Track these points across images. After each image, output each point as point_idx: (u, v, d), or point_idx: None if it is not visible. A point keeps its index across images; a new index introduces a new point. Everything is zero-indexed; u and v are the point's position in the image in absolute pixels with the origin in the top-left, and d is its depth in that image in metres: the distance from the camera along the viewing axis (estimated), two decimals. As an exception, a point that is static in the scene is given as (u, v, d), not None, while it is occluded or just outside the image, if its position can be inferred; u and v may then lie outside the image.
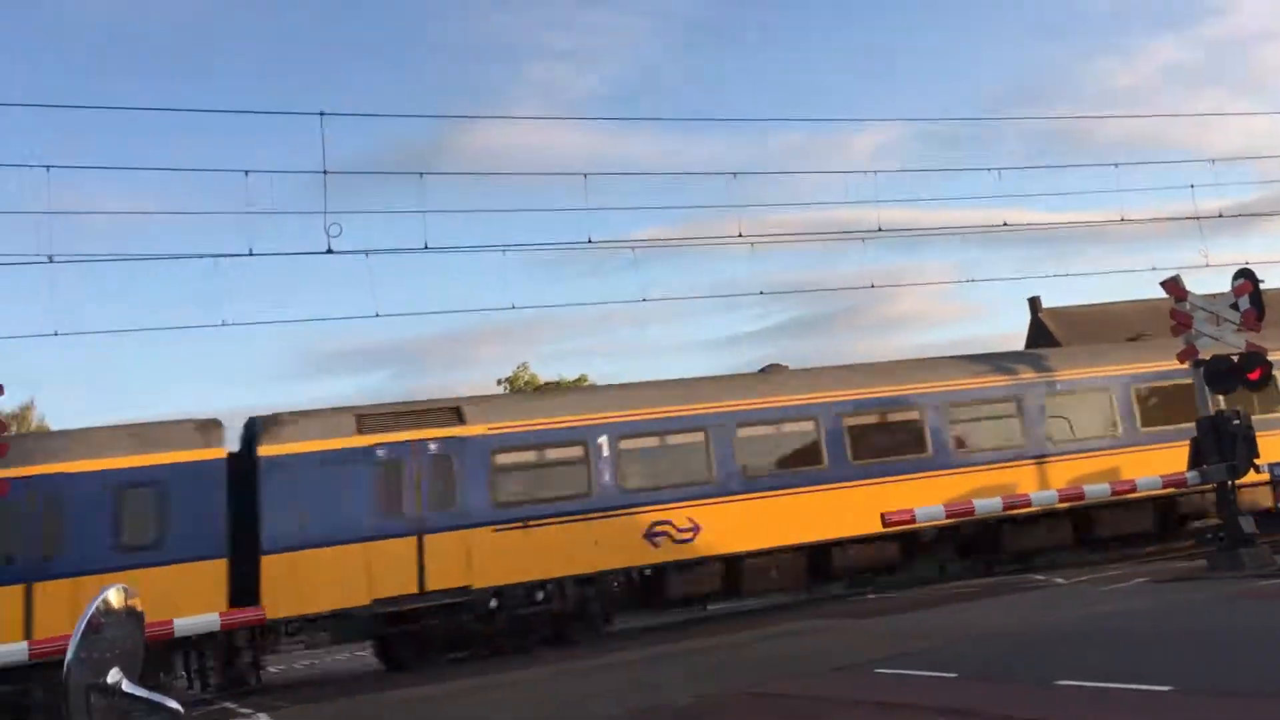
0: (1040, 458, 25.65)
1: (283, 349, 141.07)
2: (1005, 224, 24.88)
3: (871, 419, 24.95)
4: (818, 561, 24.16)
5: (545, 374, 63.01)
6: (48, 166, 17.46)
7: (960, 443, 25.40)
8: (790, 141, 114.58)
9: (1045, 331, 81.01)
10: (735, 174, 22.37)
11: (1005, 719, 9.70)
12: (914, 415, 25.08)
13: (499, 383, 62.82)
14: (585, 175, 21.47)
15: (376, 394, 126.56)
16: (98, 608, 2.31)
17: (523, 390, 61.87)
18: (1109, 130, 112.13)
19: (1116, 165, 24.88)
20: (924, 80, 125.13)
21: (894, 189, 59.49)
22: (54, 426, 60.45)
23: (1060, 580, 23.79)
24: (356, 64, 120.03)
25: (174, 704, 2.37)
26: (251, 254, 19.31)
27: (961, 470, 24.93)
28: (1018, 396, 25.74)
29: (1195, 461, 21.87)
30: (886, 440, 24.91)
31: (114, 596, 2.39)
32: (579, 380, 61.48)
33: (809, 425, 24.30)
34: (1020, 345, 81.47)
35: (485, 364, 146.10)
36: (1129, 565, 24.98)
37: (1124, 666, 11.26)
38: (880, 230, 23.79)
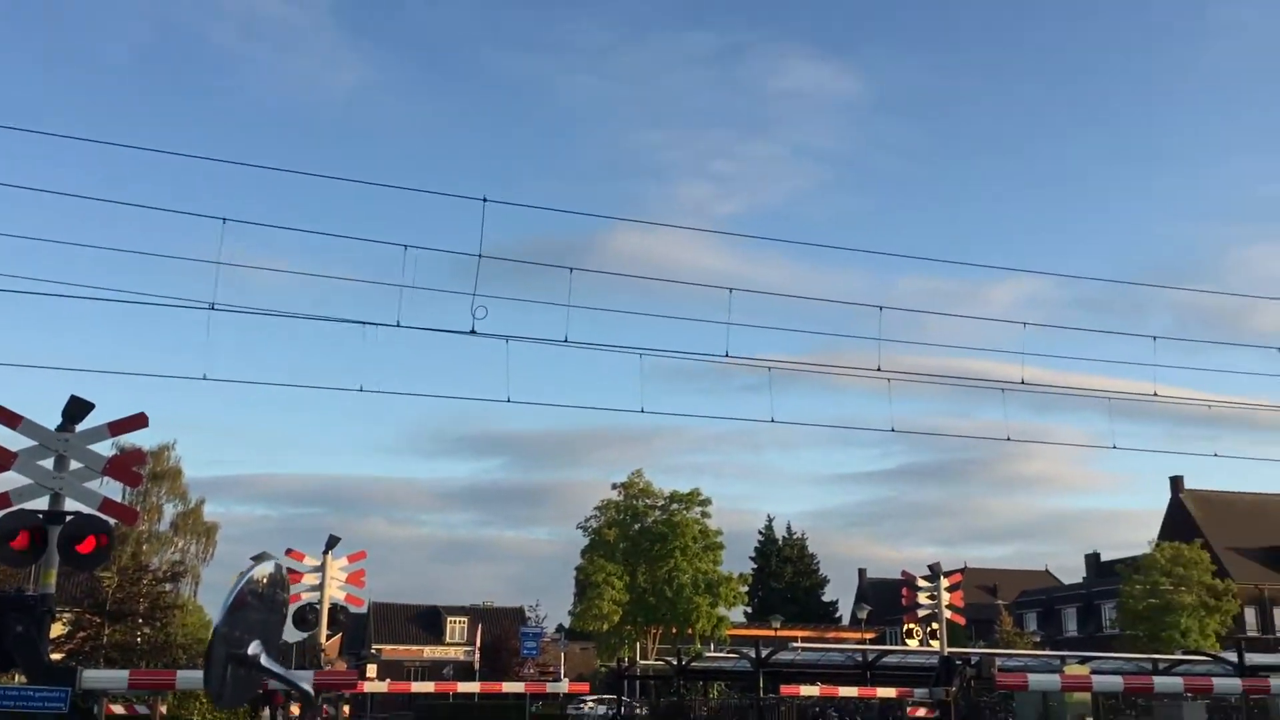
0: None
1: (412, 425, 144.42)
2: (1156, 394, 23.97)
3: None
4: None
5: (660, 483, 62.84)
6: (224, 219, 18.24)
7: None
8: (924, 285, 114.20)
9: (1185, 513, 77.82)
10: (881, 307, 22.07)
11: None
12: None
13: (614, 487, 62.79)
14: (730, 290, 21.48)
15: (490, 482, 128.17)
16: (246, 586, 2.34)
17: (637, 496, 61.77)
18: (1262, 317, 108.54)
19: (1278, 349, 23.81)
20: (1067, 239, 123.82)
21: (1037, 344, 58.42)
22: (188, 470, 62.73)
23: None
24: (516, 160, 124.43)
25: (306, 685, 2.37)
26: (399, 325, 19.75)
27: None
28: None
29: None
30: None
31: (264, 578, 2.40)
32: (692, 495, 61.02)
33: None
34: (1157, 524, 78.48)
35: (603, 465, 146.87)
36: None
37: None
38: (1024, 383, 23.20)
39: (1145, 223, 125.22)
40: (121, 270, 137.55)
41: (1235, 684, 28.32)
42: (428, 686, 38.12)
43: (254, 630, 2.34)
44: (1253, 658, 37.22)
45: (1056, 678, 28.85)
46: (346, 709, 32.14)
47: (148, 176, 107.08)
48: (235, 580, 2.40)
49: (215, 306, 18.22)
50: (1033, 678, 28.99)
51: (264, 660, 2.31)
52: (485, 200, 19.21)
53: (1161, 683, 29.91)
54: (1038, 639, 75.06)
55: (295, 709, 28.52)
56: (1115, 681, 28.62)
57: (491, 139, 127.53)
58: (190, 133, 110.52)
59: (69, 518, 13.95)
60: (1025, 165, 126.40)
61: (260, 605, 2.38)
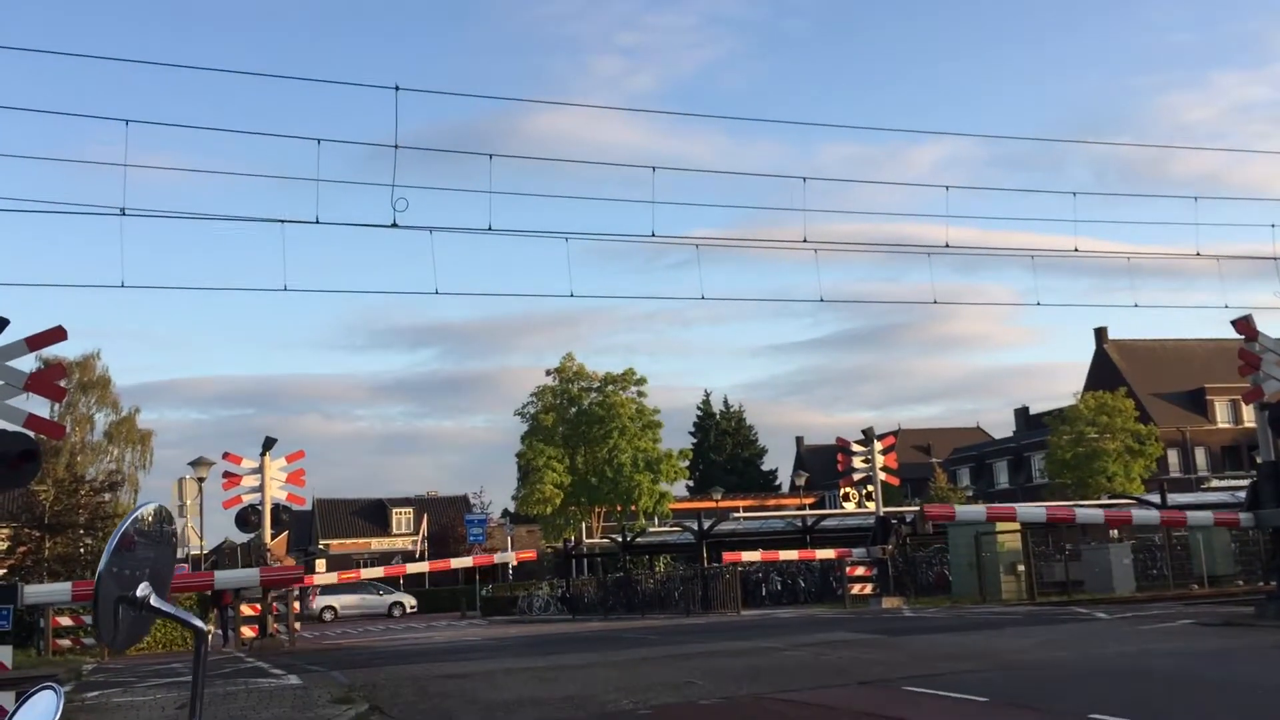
0: None
1: (340, 320, 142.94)
2: (1077, 249, 24.34)
3: None
4: None
5: (593, 365, 62.99)
6: (127, 121, 17.62)
7: None
8: (846, 151, 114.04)
9: (1109, 364, 79.94)
10: (805, 178, 21.99)
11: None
12: None
13: (547, 373, 62.86)
14: (654, 169, 21.30)
15: (425, 373, 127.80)
16: (132, 525, 2.31)
17: (571, 380, 62.00)
18: (1180, 165, 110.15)
19: (1196, 199, 24.20)
20: (984, 98, 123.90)
21: (961, 206, 58.92)
22: (116, 379, 61.73)
23: (1102, 615, 23.41)
24: (424, 40, 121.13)
25: (199, 622, 2.37)
26: (318, 222, 19.40)
27: None
28: None
29: (1252, 505, 21.40)
30: None
31: (149, 516, 2.38)
32: (626, 375, 61.35)
33: None
34: (1083, 376, 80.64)
35: (534, 351, 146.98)
36: (1175, 605, 24.53)
37: (1159, 707, 11.06)
38: (948, 246, 23.45)
39: (1063, 77, 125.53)
40: (24, 179, 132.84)
41: (1153, 515, 29.59)
42: (376, 572, 38.60)
43: (142, 568, 2.33)
44: (1175, 498, 38.74)
45: (983, 509, 30.25)
46: (297, 605, 32.49)
47: (44, 81, 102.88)
48: (120, 524, 2.37)
49: (126, 211, 17.75)
50: (960, 509, 30.44)
51: (154, 600, 2.31)
52: (397, 88, 18.75)
53: (1082, 514, 31.35)
54: (970, 493, 77.43)
55: (248, 608, 28.72)
56: (1038, 512, 29.94)
57: (396, 20, 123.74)
58: (82, 32, 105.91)
59: (-7, 436, 13.73)
60: (939, 24, 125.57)
61: (147, 543, 2.36)
